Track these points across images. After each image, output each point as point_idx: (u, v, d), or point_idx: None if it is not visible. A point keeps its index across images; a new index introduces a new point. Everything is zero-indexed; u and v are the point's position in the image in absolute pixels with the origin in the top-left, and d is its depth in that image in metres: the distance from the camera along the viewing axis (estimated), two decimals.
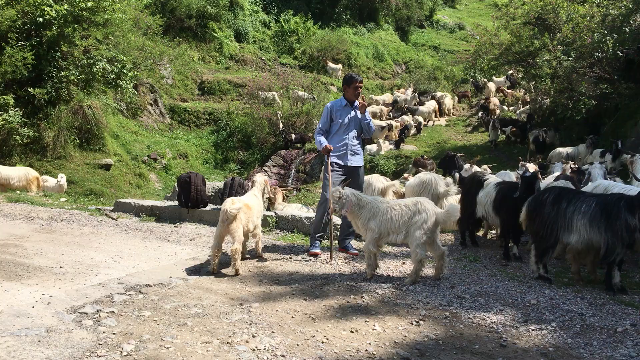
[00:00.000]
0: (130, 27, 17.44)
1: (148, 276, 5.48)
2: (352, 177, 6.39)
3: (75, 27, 14.38)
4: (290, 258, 6.21)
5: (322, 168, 8.06)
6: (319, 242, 6.44)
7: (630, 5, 13.61)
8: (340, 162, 6.41)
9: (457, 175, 6.91)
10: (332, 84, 27.79)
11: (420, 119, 21.84)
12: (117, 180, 15.47)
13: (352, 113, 6.51)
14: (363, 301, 4.75)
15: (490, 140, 18.78)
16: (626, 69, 14.95)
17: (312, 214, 7.82)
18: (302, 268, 5.82)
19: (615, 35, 14.18)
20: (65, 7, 13.93)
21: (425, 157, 16.38)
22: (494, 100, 22.44)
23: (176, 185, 9.27)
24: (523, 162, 13.02)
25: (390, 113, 23.47)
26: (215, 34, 26.97)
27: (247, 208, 5.88)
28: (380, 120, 22.21)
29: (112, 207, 9.47)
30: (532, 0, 17.36)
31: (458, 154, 7.87)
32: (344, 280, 5.36)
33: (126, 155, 16.80)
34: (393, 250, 6.89)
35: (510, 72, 23.56)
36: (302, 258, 6.21)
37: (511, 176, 7.61)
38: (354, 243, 6.71)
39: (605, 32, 14.07)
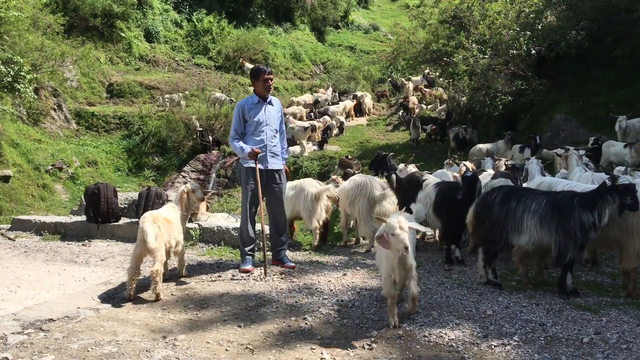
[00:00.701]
0: (27, 27, 15.87)
1: (51, 308, 4.67)
2: (271, 181, 5.79)
3: None
4: (219, 277, 5.54)
5: (239, 175, 7.41)
6: (250, 257, 5.79)
7: (541, 3, 13.95)
8: (259, 166, 5.69)
9: (394, 176, 6.50)
10: (250, 85, 27.03)
11: (342, 118, 21.62)
12: (18, 192, 14.01)
13: (267, 109, 5.83)
14: (306, 324, 4.20)
15: (412, 139, 18.80)
16: (538, 65, 15.38)
17: (238, 224, 7.15)
18: (234, 288, 5.18)
19: (528, 32, 14.53)
20: None
21: (350, 157, 16.12)
22: (413, 99, 22.59)
23: (83, 198, 8.31)
24: (449, 161, 12.98)
25: (312, 114, 23.08)
26: (123, 34, 25.45)
27: (167, 222, 5.18)
28: (301, 121, 21.81)
29: (9, 226, 8.35)
30: (449, 1, 17.56)
31: (390, 154, 7.50)
32: (282, 299, 4.79)
33: (27, 165, 15.29)
34: (331, 261, 6.38)
35: (426, 70, 23.85)
36: (233, 276, 5.55)
37: (448, 175, 7.34)
38: (289, 254, 6.13)
39: (519, 29, 14.38)
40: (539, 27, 14.42)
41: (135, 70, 25.24)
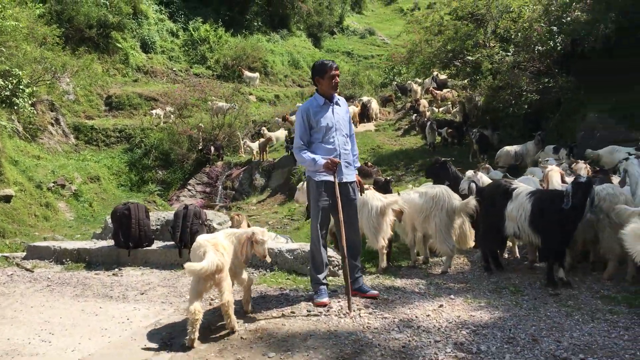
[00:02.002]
0: (25, 37, 14.96)
1: None
2: (345, 196, 4.93)
3: None
4: (292, 312, 4.65)
5: (304, 188, 6.55)
6: (325, 287, 4.92)
7: None
8: (330, 179, 4.87)
9: (473, 185, 5.70)
10: (250, 94, 26.31)
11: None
12: (21, 213, 13.04)
13: (335, 111, 5.01)
14: None
15: (429, 143, 18.04)
16: (565, 61, 14.67)
17: (295, 245, 6.28)
18: (316, 327, 4.30)
19: (554, 28, 13.84)
20: None
21: (369, 164, 15.31)
22: (424, 102, 21.85)
23: (109, 220, 7.41)
24: (484, 164, 12.15)
25: None
26: (119, 45, 24.61)
27: (227, 249, 4.35)
28: None
29: (25, 253, 7.42)
30: None
31: (450, 159, 6.70)
32: (382, 342, 3.92)
33: (28, 184, 14.32)
34: (410, 286, 5.52)
35: (435, 72, 23.13)
36: (309, 311, 4.67)
37: (534, 181, 6.51)
38: (366, 280, 5.28)
39: (547, 23, 13.69)
40: (566, 20, 13.71)
41: (133, 81, 24.40)
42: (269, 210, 17.35)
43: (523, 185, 5.62)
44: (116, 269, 6.54)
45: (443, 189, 5.98)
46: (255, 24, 32.56)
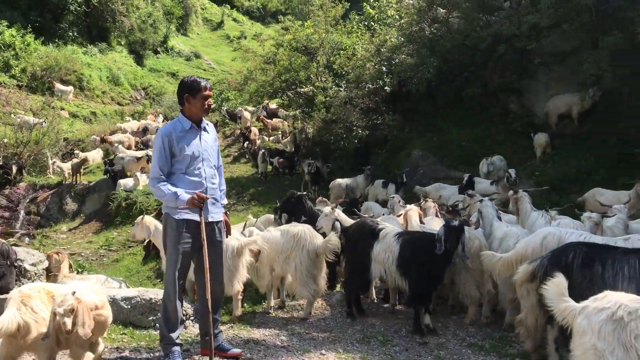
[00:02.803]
0: None
1: None
2: (210, 239, 4.18)
3: None
4: None
5: (144, 222, 5.63)
6: (178, 347, 4.05)
7: (402, 38, 14.05)
8: (194, 217, 4.13)
9: (337, 224, 5.32)
10: (62, 109, 23.77)
11: None
12: None
13: (203, 138, 4.29)
14: None
15: (260, 172, 17.77)
16: (392, 100, 15.48)
17: (133, 291, 5.23)
18: None
19: (384, 68, 14.54)
20: None
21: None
22: (254, 130, 21.58)
23: None
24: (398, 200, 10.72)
25: (143, 142, 20.81)
26: None
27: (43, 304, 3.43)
28: (130, 150, 19.48)
29: None
30: (297, 30, 17.08)
31: (305, 193, 6.31)
32: None
33: None
34: (271, 338, 4.90)
35: (266, 101, 23.08)
36: None
37: (397, 220, 6.27)
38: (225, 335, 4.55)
39: (379, 63, 14.31)
40: (395, 62, 14.50)
41: None
42: (83, 239, 15.62)
43: (390, 226, 5.40)
44: None
45: (305, 228, 5.51)
46: (71, 34, 29.77)
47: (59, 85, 24.62)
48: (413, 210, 6.15)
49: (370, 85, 14.54)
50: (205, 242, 4.02)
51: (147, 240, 6.60)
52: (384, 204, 11.96)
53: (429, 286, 4.90)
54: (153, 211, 15.72)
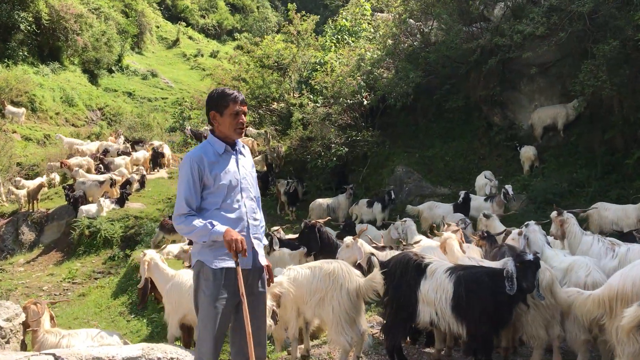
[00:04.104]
0: None
1: None
2: (252, 288, 3.40)
3: None
4: None
5: (195, 282, 4.31)
6: None
7: (384, 52, 13.60)
8: (233, 264, 3.25)
9: (375, 259, 4.56)
10: (14, 132, 22.41)
11: (144, 171, 18.73)
12: None
13: (240, 162, 3.51)
14: None
15: None
16: (370, 116, 14.94)
17: (135, 350, 4.31)
18: None
19: (362, 82, 14.03)
20: None
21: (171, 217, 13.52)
22: None
23: None
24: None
25: (102, 165, 19.61)
26: None
27: None
28: (90, 174, 18.26)
29: None
30: (268, 44, 16.46)
31: (319, 222, 5.56)
32: None
33: None
34: None
35: None
36: None
37: (439, 251, 5.46)
38: None
39: (359, 78, 13.78)
40: (374, 76, 14.01)
41: None
42: (43, 271, 14.54)
43: (437, 259, 4.66)
44: None
45: (342, 264, 4.67)
46: (21, 53, 28.29)
47: (10, 107, 23.20)
48: (452, 238, 5.39)
49: (348, 101, 13.97)
50: (244, 297, 3.16)
51: (142, 281, 5.67)
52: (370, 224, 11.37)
53: (493, 331, 4.21)
54: (118, 239, 14.79)
